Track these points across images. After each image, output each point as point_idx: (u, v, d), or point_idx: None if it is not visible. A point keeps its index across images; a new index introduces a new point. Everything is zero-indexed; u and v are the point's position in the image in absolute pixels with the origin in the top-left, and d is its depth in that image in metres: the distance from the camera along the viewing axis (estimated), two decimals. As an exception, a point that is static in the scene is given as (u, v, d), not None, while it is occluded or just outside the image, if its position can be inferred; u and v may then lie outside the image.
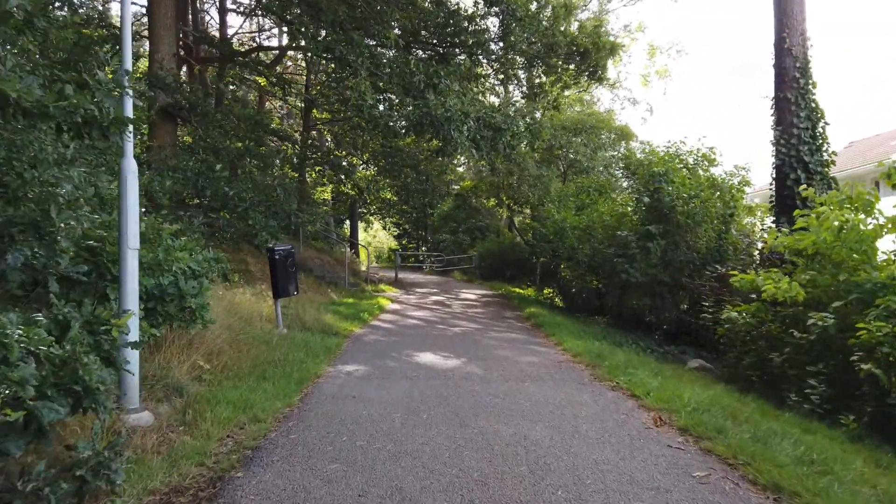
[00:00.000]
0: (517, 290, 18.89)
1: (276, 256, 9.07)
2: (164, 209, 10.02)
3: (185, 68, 16.48)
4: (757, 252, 9.61)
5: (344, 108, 17.58)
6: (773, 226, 9.06)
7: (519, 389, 5.89)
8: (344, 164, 14.01)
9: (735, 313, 6.72)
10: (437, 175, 20.57)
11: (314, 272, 16.16)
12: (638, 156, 11.86)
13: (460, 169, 25.72)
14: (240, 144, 12.15)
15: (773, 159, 8.99)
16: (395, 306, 13.88)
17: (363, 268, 20.91)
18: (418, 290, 18.59)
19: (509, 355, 7.81)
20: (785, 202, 8.63)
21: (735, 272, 7.09)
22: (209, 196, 10.19)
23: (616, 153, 18.77)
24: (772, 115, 9.06)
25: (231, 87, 18.50)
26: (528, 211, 18.06)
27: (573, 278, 13.63)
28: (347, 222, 27.70)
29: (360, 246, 24.27)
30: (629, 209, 11.16)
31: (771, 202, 9.19)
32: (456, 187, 28.60)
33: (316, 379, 6.14)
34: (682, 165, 10.59)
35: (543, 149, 16.96)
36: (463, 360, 7.38)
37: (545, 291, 17.59)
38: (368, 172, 20.76)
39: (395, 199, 25.51)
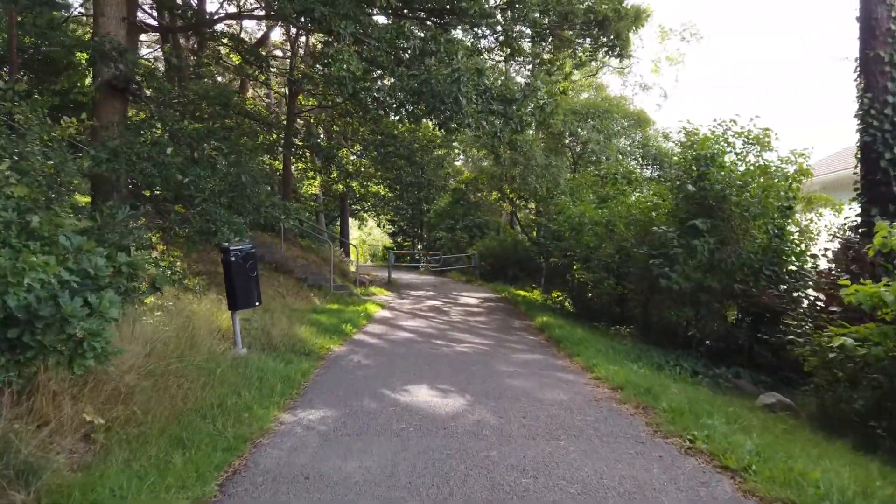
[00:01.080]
0: (522, 292, 17.00)
1: (232, 258, 7.15)
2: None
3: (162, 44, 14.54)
4: (824, 253, 7.73)
5: (329, 90, 15.63)
6: (857, 220, 7.18)
7: (553, 455, 4.00)
8: (325, 145, 12.12)
9: (847, 338, 4.83)
10: (432, 168, 18.67)
11: (295, 274, 14.23)
12: (667, 138, 9.90)
13: (458, 163, 23.81)
14: (199, 126, 10.18)
15: (858, 135, 7.11)
16: (386, 314, 11.96)
17: (353, 268, 18.97)
18: (413, 292, 16.68)
19: (528, 388, 5.92)
20: (877, 188, 6.74)
21: (846, 280, 5.21)
22: (159, 185, 8.26)
23: (631, 141, 16.85)
24: (856, 80, 7.18)
25: (209, 67, 16.56)
26: (532, 206, 16.19)
27: (590, 281, 11.74)
28: (339, 220, 25.78)
29: (349, 244, 22.35)
30: (663, 201, 9.25)
31: (854, 189, 7.29)
32: (453, 182, 26.68)
33: (259, 439, 4.23)
34: (729, 149, 8.69)
35: (554, 134, 15.13)
36: (468, 397, 5.49)
37: (553, 295, 15.70)
38: (359, 161, 18.79)
39: (389, 194, 23.60)
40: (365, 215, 39.65)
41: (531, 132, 13.88)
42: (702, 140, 8.30)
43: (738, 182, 7.74)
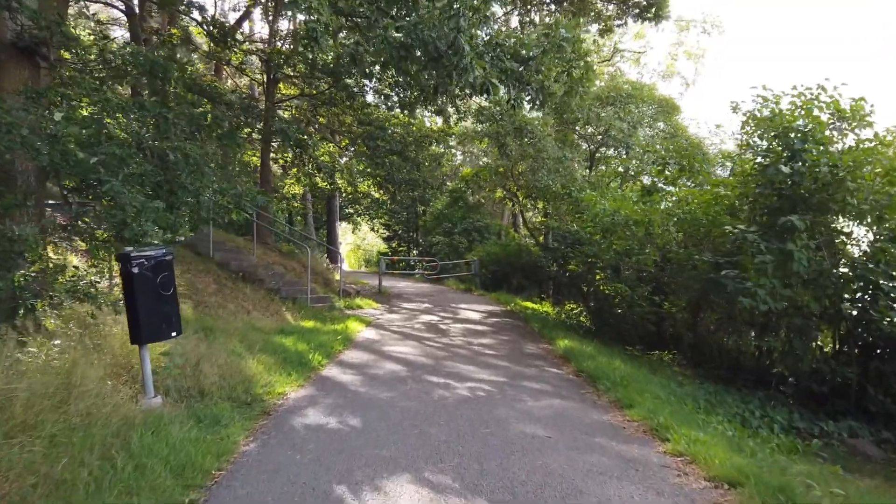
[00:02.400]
0: (529, 304, 14.72)
1: (134, 269, 4.86)
2: None
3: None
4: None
5: (310, 72, 13.41)
6: None
7: None
8: (294, 130, 9.89)
9: None
10: (428, 165, 16.40)
11: (266, 284, 11.91)
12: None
13: (457, 159, 21.54)
14: (130, 99, 7.89)
15: None
16: (371, 334, 9.65)
17: (338, 276, 16.66)
18: (406, 304, 14.37)
19: (577, 478, 3.64)
20: None
21: None
22: (46, 164, 5.94)
23: (657, 131, 14.61)
24: None
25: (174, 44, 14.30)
26: (541, 206, 13.99)
27: (619, 295, 9.48)
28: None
29: (336, 250, 20.07)
30: (729, 191, 6.99)
31: None
32: (450, 184, 24.41)
33: None
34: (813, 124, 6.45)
35: (568, 122, 12.95)
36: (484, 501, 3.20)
37: (567, 308, 13.43)
38: (336, 150, 16.41)
39: (381, 194, 21.32)
40: (358, 219, 37.45)
41: (542, 114, 11.71)
42: (794, 109, 6.05)
43: (849, 163, 5.50)
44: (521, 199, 14.66)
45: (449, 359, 7.64)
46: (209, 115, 8.41)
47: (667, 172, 7.68)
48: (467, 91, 6.29)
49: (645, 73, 21.18)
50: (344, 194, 17.58)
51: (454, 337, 9.47)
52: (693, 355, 8.03)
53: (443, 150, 19.86)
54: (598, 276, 10.45)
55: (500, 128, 12.17)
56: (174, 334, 5.18)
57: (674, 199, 8.03)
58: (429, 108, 12.95)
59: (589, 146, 14.83)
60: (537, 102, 6.85)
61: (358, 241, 54.02)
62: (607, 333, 10.70)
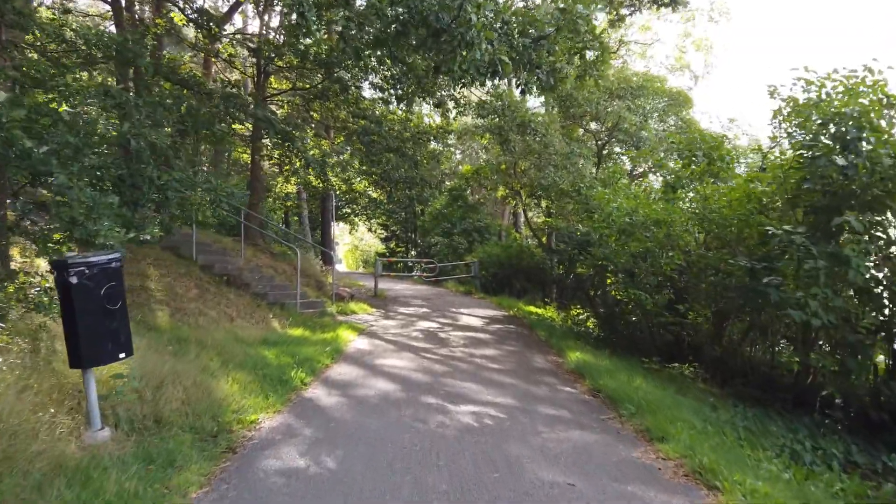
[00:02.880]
0: (533, 309, 13.90)
1: (72, 278, 4.03)
2: None
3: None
4: None
5: (301, 62, 12.60)
6: None
7: None
8: (279, 120, 9.03)
9: None
10: (426, 163, 15.56)
11: (253, 288, 11.07)
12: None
13: (457, 157, 20.72)
14: (91, 83, 7.07)
15: None
16: (363, 344, 8.83)
17: (331, 279, 15.83)
18: (402, 309, 13.55)
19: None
20: None
21: None
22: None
23: (669, 126, 13.78)
24: None
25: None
26: (545, 205, 13.16)
27: (632, 301, 8.67)
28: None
29: (332, 252, 19.20)
30: (765, 187, 6.17)
31: None
32: (449, 183, 23.59)
33: None
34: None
35: (575, 116, 12.14)
36: None
37: (573, 314, 12.62)
38: (325, 143, 15.54)
39: (377, 193, 20.49)
40: (355, 219, 36.62)
41: (549, 107, 10.90)
42: (846, 92, 5.22)
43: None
44: (524, 197, 13.83)
45: (449, 375, 6.82)
46: (184, 105, 7.60)
47: (693, 166, 6.86)
48: (472, 74, 5.46)
49: (652, 67, 20.35)
50: (338, 192, 16.75)
51: (454, 347, 8.65)
52: (717, 369, 7.23)
53: (441, 148, 19.06)
54: (609, 281, 9.64)
55: (503, 122, 11.35)
56: (122, 356, 4.35)
57: (695, 196, 7.19)
58: (427, 100, 12.13)
59: (596, 142, 13.97)
60: (548, 87, 6.04)
61: (356, 241, 53.22)
62: (618, 342, 9.88)
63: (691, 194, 7.63)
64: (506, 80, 8.77)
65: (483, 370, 7.14)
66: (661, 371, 7.81)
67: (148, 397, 4.85)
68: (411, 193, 15.66)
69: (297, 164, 12.03)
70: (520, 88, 6.10)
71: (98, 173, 5.70)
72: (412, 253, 30.35)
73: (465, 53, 5.27)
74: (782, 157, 6.33)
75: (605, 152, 12.93)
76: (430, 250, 22.65)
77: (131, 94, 7.31)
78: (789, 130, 6.05)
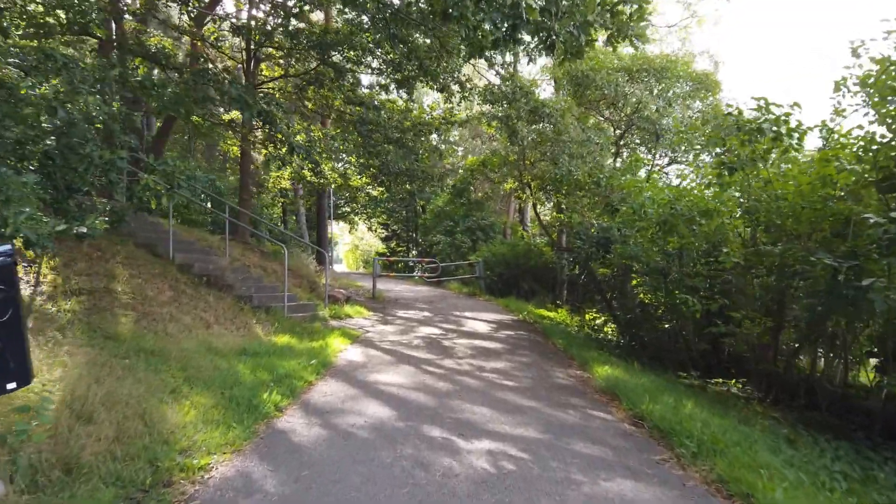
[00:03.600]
0: (543, 312, 12.73)
1: (-68, 281, 2.82)
2: None
3: None
4: None
5: (293, 44, 11.44)
6: None
7: None
8: (257, 99, 7.86)
9: None
10: (426, 154, 14.36)
11: (236, 290, 9.89)
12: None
13: (459, 152, 19.51)
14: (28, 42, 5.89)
15: None
16: (355, 355, 7.64)
17: (325, 280, 14.65)
18: (402, 312, 12.37)
19: None
20: None
21: None
22: None
23: (695, 112, 12.48)
24: None
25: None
26: (558, 199, 11.96)
27: (663, 305, 7.49)
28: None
29: (327, 251, 18.05)
30: (855, 164, 4.97)
31: None
32: (451, 181, 22.39)
33: None
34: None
35: (591, 101, 10.96)
36: None
37: (588, 318, 11.43)
38: (316, 129, 14.34)
39: (379, 192, 19.29)
40: (355, 218, 35.47)
41: (561, 93, 9.69)
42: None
43: None
44: (534, 190, 12.63)
45: (456, 395, 5.63)
46: (142, 70, 6.42)
47: (750, 145, 5.66)
48: (490, 18, 4.28)
49: (667, 51, 18.99)
50: (333, 186, 15.57)
51: (461, 359, 7.45)
52: (769, 386, 6.04)
53: (443, 145, 17.84)
54: (634, 282, 8.44)
55: (513, 108, 10.17)
56: (13, 386, 3.16)
57: (751, 180, 5.98)
58: (430, 84, 10.94)
59: (614, 130, 12.71)
60: (575, 48, 4.89)
61: (356, 241, 52.01)
62: (643, 351, 8.70)
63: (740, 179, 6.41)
64: (522, 50, 7.57)
65: (496, 388, 5.95)
66: (702, 388, 6.62)
67: (63, 435, 3.68)
68: (412, 187, 14.47)
69: (283, 150, 10.82)
70: (542, 48, 4.93)
71: (19, 149, 4.52)
72: (413, 252, 29.17)
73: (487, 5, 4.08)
74: (855, 133, 5.13)
75: (622, 142, 11.69)
76: (432, 249, 21.48)
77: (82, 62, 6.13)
78: (875, 99, 4.87)
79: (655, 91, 11.45)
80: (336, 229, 55.51)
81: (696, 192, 6.14)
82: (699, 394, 6.17)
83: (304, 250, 18.68)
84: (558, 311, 12.99)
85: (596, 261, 10.21)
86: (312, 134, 11.20)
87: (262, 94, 9.59)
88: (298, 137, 9.49)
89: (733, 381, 6.62)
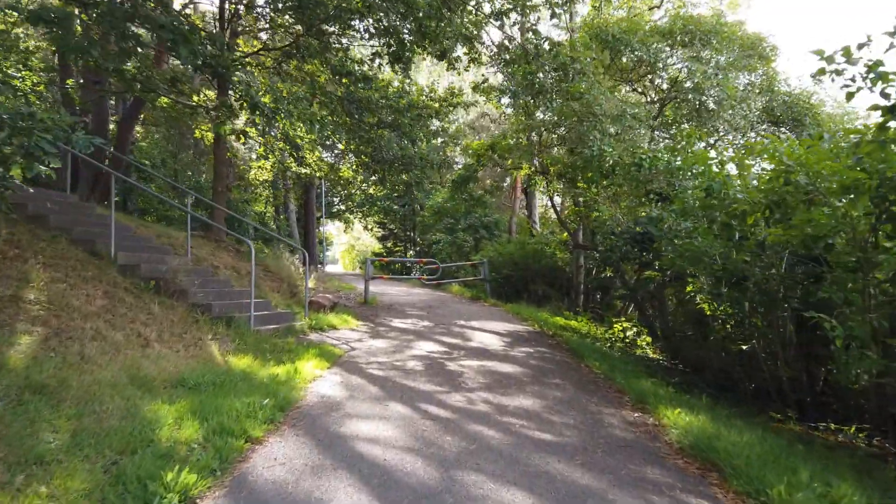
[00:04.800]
0: (560, 321, 10.81)
1: None
2: None
3: None
4: None
5: (272, 7, 9.52)
6: None
7: None
8: (194, 38, 5.92)
9: None
10: (425, 141, 12.45)
11: (191, 297, 7.94)
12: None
13: (460, 144, 17.56)
14: None
15: None
16: (331, 386, 5.69)
17: (312, 283, 12.69)
18: (397, 321, 10.42)
19: None
20: None
21: None
22: None
23: (747, 82, 10.46)
24: None
25: None
26: (583, 187, 10.02)
27: (732, 318, 5.58)
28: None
29: (315, 252, 16.11)
30: None
31: None
32: (450, 177, 20.43)
33: None
34: None
35: (622, 70, 9.07)
36: None
37: (617, 329, 9.52)
38: (283, 87, 12.30)
39: (375, 189, 17.35)
40: (350, 216, 33.56)
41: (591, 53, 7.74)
42: None
43: None
44: (552, 178, 10.65)
45: (471, 463, 3.69)
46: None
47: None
48: None
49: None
50: (318, 175, 13.60)
51: (472, 391, 5.51)
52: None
53: (445, 136, 15.92)
54: (688, 288, 6.52)
55: (535, 66, 8.14)
56: None
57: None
58: (431, 49, 9.01)
59: (653, 101, 10.71)
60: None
61: (353, 240, 49.99)
62: (699, 375, 6.79)
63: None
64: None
65: (529, 447, 4.01)
66: (807, 436, 4.69)
67: None
68: (409, 177, 12.55)
69: (243, 113, 8.85)
70: None
71: None
72: (411, 252, 27.23)
73: None
74: None
75: (657, 119, 9.69)
76: (431, 249, 19.53)
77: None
78: None
79: (703, 56, 9.46)
80: (332, 229, 53.58)
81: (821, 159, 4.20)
82: (817, 450, 4.24)
83: (289, 249, 16.75)
84: (578, 320, 11.06)
85: (631, 261, 8.30)
86: (278, 89, 9.19)
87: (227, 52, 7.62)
88: (265, 99, 7.52)
89: (852, 428, 4.70)
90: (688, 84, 9.22)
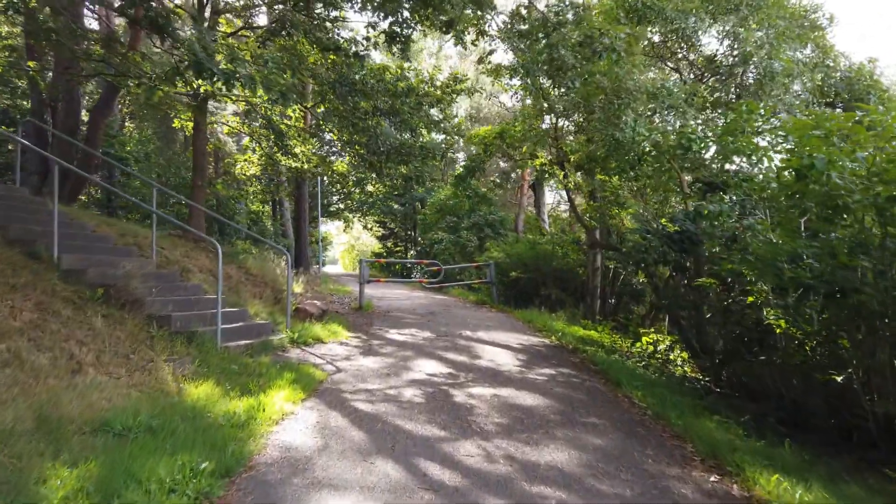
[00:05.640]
0: (579, 331, 9.47)
1: None
2: None
3: None
4: None
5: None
6: None
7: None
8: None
9: None
10: (426, 130, 11.14)
11: (147, 307, 6.58)
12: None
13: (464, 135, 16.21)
14: None
15: None
16: (302, 430, 4.35)
17: (298, 288, 11.37)
18: (394, 333, 9.09)
19: None
20: None
21: None
22: None
23: (805, 53, 9.06)
24: None
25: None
26: (606, 179, 8.71)
27: (826, 340, 4.26)
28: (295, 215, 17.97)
29: (306, 253, 14.76)
30: None
31: None
32: (451, 173, 19.14)
33: None
34: None
35: (654, 43, 7.76)
36: None
37: (646, 342, 8.19)
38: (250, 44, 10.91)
39: (375, 186, 16.01)
40: (349, 216, 32.25)
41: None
42: None
43: None
44: (571, 167, 9.26)
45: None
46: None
47: None
48: None
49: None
50: (307, 168, 12.26)
51: (488, 439, 4.17)
52: None
53: (444, 136, 14.58)
54: (750, 299, 5.19)
55: (556, 38, 6.76)
56: None
57: None
58: (432, 19, 7.69)
59: (689, 76, 9.26)
60: None
61: (353, 240, 48.64)
62: (762, 403, 5.47)
63: None
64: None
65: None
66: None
67: None
68: (407, 170, 11.23)
69: (202, 84, 7.51)
70: None
71: None
72: (411, 253, 25.90)
73: None
74: None
75: (694, 97, 8.23)
76: (433, 249, 18.19)
77: None
78: None
79: (753, 24, 8.09)
80: (332, 229, 52.23)
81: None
82: None
83: (276, 250, 15.44)
84: (598, 330, 9.72)
85: (667, 264, 6.97)
86: (239, 50, 7.81)
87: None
88: (224, 64, 6.16)
89: None
90: (733, 57, 7.80)
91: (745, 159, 5.58)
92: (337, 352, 7.34)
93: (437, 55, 20.49)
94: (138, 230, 10.02)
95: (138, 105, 12.91)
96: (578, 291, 12.55)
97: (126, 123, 21.01)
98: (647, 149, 6.18)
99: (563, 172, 9.07)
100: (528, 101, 9.70)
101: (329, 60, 9.60)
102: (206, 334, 6.47)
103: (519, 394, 5.42)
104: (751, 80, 8.00)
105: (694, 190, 6.21)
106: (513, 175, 22.00)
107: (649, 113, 6.89)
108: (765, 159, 4.97)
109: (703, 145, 5.75)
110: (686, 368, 7.47)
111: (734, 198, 5.19)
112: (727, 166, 5.70)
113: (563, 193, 20.24)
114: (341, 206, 32.28)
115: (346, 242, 50.59)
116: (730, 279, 5.27)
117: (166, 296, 7.12)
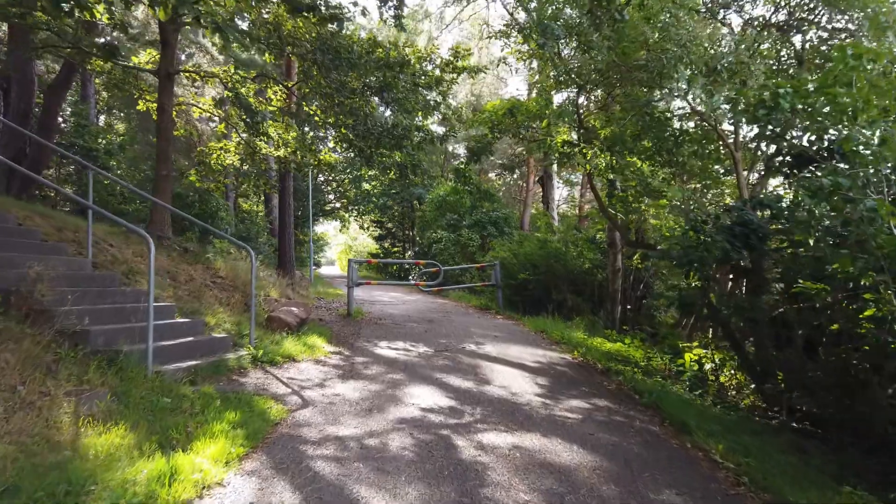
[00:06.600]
0: (605, 344, 7.93)
1: None
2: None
3: None
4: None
5: None
6: None
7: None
8: None
9: None
10: (419, 111, 9.59)
11: (57, 320, 4.96)
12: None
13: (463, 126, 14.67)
14: None
15: None
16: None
17: (275, 293, 9.82)
18: (384, 348, 7.52)
19: None
20: None
21: None
22: None
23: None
24: None
25: None
26: (637, 161, 7.17)
27: None
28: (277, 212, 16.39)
29: (291, 255, 13.21)
30: None
31: None
32: (449, 167, 17.59)
33: None
34: None
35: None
36: None
37: (688, 358, 6.64)
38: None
39: (373, 180, 14.47)
40: (345, 215, 30.74)
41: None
42: None
43: None
44: (598, 150, 7.70)
45: None
46: None
47: None
48: None
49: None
50: (284, 155, 10.71)
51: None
52: None
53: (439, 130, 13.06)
54: (868, 312, 3.65)
55: None
56: None
57: None
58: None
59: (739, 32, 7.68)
60: None
61: (350, 240, 47.10)
62: (854, 444, 3.94)
63: None
64: None
65: None
66: None
67: None
68: (401, 157, 9.70)
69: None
70: None
71: None
72: (409, 253, 24.35)
73: None
74: None
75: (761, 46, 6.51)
76: (432, 249, 16.63)
77: None
78: None
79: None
80: (329, 229, 50.65)
81: None
82: None
83: (237, 246, 13.85)
84: (626, 342, 8.17)
85: (726, 263, 5.43)
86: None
87: None
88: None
89: None
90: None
91: (847, 123, 4.08)
92: (309, 374, 5.77)
93: (436, 39, 18.95)
94: (81, 224, 8.48)
95: (104, 85, 11.36)
96: (596, 296, 11.00)
97: (103, 117, 19.49)
98: (692, 126, 4.65)
99: (591, 152, 7.51)
100: (544, 72, 8.16)
101: (311, 29, 8.05)
102: (133, 354, 4.90)
103: (548, 444, 3.86)
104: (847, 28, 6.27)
105: (771, 165, 4.71)
106: (516, 172, 20.47)
107: (714, 68, 5.36)
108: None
109: (795, 102, 4.22)
110: (746, 392, 5.93)
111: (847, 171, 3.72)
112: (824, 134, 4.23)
113: (570, 189, 18.81)
114: (336, 204, 30.76)
115: (343, 243, 49.02)
116: (850, 283, 3.75)
117: (93, 304, 5.56)
